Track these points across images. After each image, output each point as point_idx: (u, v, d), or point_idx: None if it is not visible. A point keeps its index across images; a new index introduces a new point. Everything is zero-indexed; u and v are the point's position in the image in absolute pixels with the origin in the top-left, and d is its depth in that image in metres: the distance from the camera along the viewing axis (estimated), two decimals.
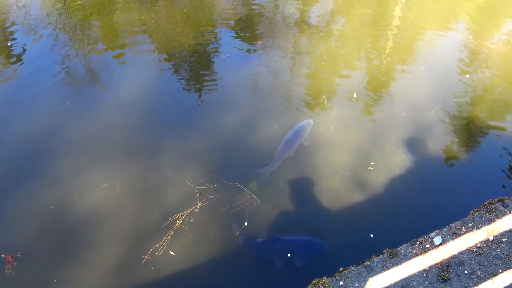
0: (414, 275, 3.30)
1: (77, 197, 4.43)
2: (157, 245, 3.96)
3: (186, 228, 4.15)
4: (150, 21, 7.83)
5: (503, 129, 5.45)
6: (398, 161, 4.90)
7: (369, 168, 4.79)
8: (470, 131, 5.41)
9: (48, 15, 8.08)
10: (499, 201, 3.81)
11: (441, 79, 6.42)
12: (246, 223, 4.19)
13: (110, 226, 4.16)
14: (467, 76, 6.48)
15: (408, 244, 3.53)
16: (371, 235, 4.04)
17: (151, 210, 4.31)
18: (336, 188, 4.60)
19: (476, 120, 5.58)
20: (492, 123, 5.54)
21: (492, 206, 3.76)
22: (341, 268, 3.41)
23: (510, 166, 4.86)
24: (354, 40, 7.46)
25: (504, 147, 5.11)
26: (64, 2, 8.59)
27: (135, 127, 5.36)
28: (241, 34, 7.54)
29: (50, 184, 4.58)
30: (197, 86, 6.20)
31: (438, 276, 3.28)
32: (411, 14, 8.56)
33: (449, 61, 6.92)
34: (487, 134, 5.37)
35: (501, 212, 3.70)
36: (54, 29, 7.61)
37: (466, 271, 3.31)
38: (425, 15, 8.56)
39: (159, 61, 6.74)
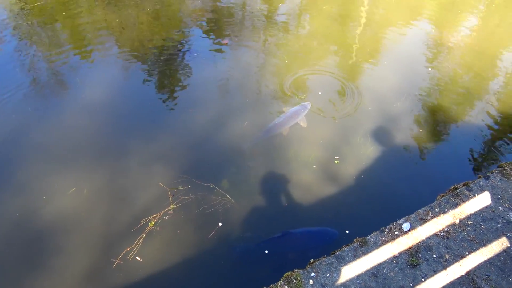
0: (385, 262, 3.29)
1: (43, 203, 4.25)
2: (128, 248, 3.84)
3: (158, 230, 4.05)
4: (114, 21, 7.66)
5: (465, 118, 5.55)
6: (368, 152, 4.92)
7: (335, 161, 4.79)
8: (435, 120, 5.49)
9: (8, 16, 7.76)
10: (463, 185, 3.85)
11: (407, 72, 6.52)
12: (220, 224, 4.11)
13: (79, 231, 4.02)
14: (431, 69, 6.60)
15: (378, 232, 3.52)
16: (347, 231, 4.01)
17: (122, 213, 4.19)
18: (307, 182, 4.57)
19: (440, 110, 5.67)
20: (455, 112, 5.64)
21: (457, 190, 3.79)
22: (312, 259, 3.37)
23: (472, 152, 4.96)
24: (322, 36, 7.49)
25: (467, 135, 5.21)
26: (25, 2, 8.25)
27: (102, 130, 5.19)
28: (209, 32, 7.45)
29: (14, 191, 4.38)
30: (165, 86, 6.08)
31: (408, 261, 3.27)
32: (377, 9, 8.69)
33: (414, 54, 7.04)
34: (451, 123, 5.46)
35: (466, 196, 3.73)
36: (14, 29, 7.31)
37: (434, 255, 3.31)
38: (390, 11, 8.70)
39: (125, 62, 6.57)
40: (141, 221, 4.10)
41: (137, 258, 3.80)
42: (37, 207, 4.21)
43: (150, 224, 4.07)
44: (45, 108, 5.58)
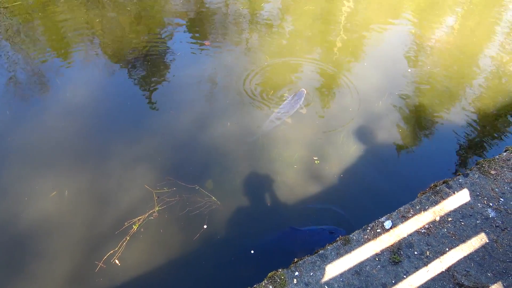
0: (367, 259, 3.30)
1: (24, 207, 4.16)
2: (112, 251, 3.78)
3: (143, 232, 4.00)
4: (95, 21, 7.55)
5: (446, 116, 5.62)
6: (350, 151, 4.94)
7: (315, 162, 4.79)
8: (416, 119, 5.54)
9: None
10: (443, 182, 3.89)
11: (388, 71, 6.57)
12: (205, 226, 4.08)
13: (61, 235, 3.94)
14: (412, 68, 6.66)
15: (360, 230, 3.52)
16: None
17: (105, 216, 4.12)
18: (291, 181, 4.57)
19: (421, 109, 5.72)
20: (436, 111, 5.70)
21: (437, 188, 3.82)
22: (296, 259, 3.36)
23: (452, 150, 5.02)
24: (305, 36, 7.50)
25: (448, 133, 5.27)
26: (3, 1, 8.07)
27: (83, 131, 5.10)
28: (192, 32, 7.40)
29: None
30: (147, 86, 5.99)
31: (390, 259, 3.29)
32: (358, 9, 8.74)
33: (396, 53, 7.10)
34: (432, 121, 5.51)
35: (446, 193, 3.77)
36: None
37: (416, 252, 3.33)
38: (372, 10, 8.77)
39: (107, 62, 6.48)
40: (125, 224, 4.04)
41: (116, 261, 3.74)
42: (17, 211, 4.12)
43: (134, 227, 4.02)
44: (24, 110, 5.46)
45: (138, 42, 6.94)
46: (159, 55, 6.68)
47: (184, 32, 7.41)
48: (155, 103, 5.64)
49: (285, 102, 5.51)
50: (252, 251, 3.83)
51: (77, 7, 7.97)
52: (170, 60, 6.57)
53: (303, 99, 5.53)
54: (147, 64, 6.42)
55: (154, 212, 4.20)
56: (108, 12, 7.89)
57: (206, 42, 6.98)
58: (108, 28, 7.35)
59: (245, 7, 8.45)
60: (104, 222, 4.06)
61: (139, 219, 4.09)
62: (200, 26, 7.61)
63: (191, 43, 7.09)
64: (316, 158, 4.83)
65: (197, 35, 7.35)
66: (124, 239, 3.89)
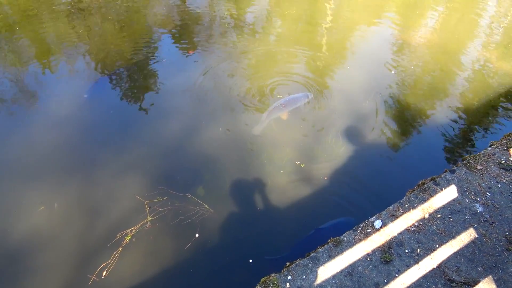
0: (359, 260, 3.28)
1: (13, 223, 4.08)
2: (104, 264, 3.73)
3: (135, 243, 3.94)
4: (79, 32, 7.49)
5: (431, 114, 5.64)
6: (340, 152, 4.94)
7: (300, 165, 4.77)
8: (402, 118, 5.56)
9: None
10: (431, 180, 3.89)
11: (373, 71, 6.61)
12: (197, 235, 4.03)
13: (52, 249, 3.86)
14: (397, 67, 6.70)
15: (351, 231, 3.51)
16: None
17: (97, 228, 4.06)
18: (282, 184, 4.55)
19: (407, 108, 5.75)
20: (422, 109, 5.73)
21: (425, 185, 3.83)
22: (288, 263, 3.33)
23: (439, 147, 5.03)
24: (291, 39, 7.50)
25: (433, 130, 5.29)
26: None
27: (70, 144, 5.02)
28: (177, 39, 7.37)
29: None
30: (134, 95, 5.94)
31: (381, 258, 3.27)
32: (342, 11, 8.79)
33: (381, 52, 7.14)
34: (418, 119, 5.54)
35: (434, 190, 3.77)
36: None
37: (406, 250, 3.33)
38: (356, 11, 8.82)
39: (92, 72, 6.40)
40: (117, 235, 3.99)
41: (103, 273, 3.68)
42: (5, 226, 4.04)
43: (127, 238, 3.97)
44: (8, 123, 5.37)
45: (123, 51, 6.89)
46: (145, 63, 6.64)
47: (169, 39, 7.38)
48: (143, 111, 5.58)
49: (288, 97, 5.59)
50: (251, 260, 3.79)
51: (61, 19, 7.90)
52: (156, 68, 6.52)
53: (306, 100, 5.60)
54: (133, 73, 6.37)
55: (147, 222, 4.14)
56: (92, 22, 7.83)
57: (190, 51, 6.93)
58: (92, 38, 7.29)
59: (229, 13, 8.45)
60: (96, 234, 4.00)
61: (131, 230, 4.04)
62: (185, 33, 7.58)
63: (177, 50, 7.05)
64: (299, 162, 4.80)
65: (182, 41, 7.31)
66: (116, 251, 3.84)
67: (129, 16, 8.05)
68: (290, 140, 5.12)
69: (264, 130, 5.23)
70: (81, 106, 5.65)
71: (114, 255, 3.80)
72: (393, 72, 6.53)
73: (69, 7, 8.35)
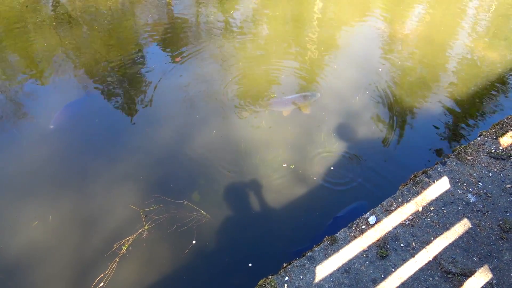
0: (355, 257, 3.27)
1: (6, 239, 4.02)
2: (102, 275, 3.69)
3: (132, 253, 3.91)
4: (65, 43, 7.44)
5: (422, 107, 5.65)
6: (333, 149, 4.93)
7: (290, 166, 4.76)
8: (393, 112, 5.57)
9: None
10: (423, 173, 3.89)
11: (363, 67, 6.61)
12: (194, 242, 4.01)
13: (49, 263, 3.81)
14: (386, 62, 6.71)
15: (346, 228, 3.50)
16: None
17: (92, 240, 4.02)
18: (277, 185, 4.53)
19: (398, 101, 5.75)
20: (412, 102, 5.74)
21: (417, 178, 3.82)
22: (285, 263, 3.32)
23: (430, 139, 5.04)
24: (279, 40, 7.49)
25: (424, 124, 5.30)
26: None
27: (62, 156, 4.95)
28: (164, 46, 7.32)
29: None
30: (124, 104, 5.88)
31: (377, 254, 3.26)
32: (329, 9, 8.80)
33: (368, 49, 7.16)
34: (410, 114, 5.54)
35: (426, 183, 3.77)
36: None
37: (402, 245, 3.32)
38: (343, 9, 8.83)
39: (81, 83, 6.33)
40: (114, 246, 3.95)
41: (101, 284, 3.65)
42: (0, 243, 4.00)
43: (124, 248, 3.93)
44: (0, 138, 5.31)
45: (111, 60, 6.85)
46: (133, 71, 6.58)
47: (157, 47, 7.32)
48: (134, 120, 5.54)
49: (293, 94, 5.72)
50: (250, 264, 3.77)
51: (47, 30, 7.85)
52: (145, 76, 6.47)
53: (311, 99, 5.63)
54: (122, 82, 6.32)
55: (143, 231, 4.12)
56: (78, 32, 7.79)
57: (177, 59, 6.89)
58: (80, 49, 7.25)
59: (215, 17, 8.43)
60: (92, 246, 3.96)
61: (128, 240, 4.01)
62: (172, 40, 7.54)
63: (165, 57, 7.01)
64: (285, 165, 4.77)
65: (170, 48, 7.28)
66: (113, 261, 3.80)
67: (116, 24, 8.01)
68: (282, 140, 5.10)
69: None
70: (71, 117, 5.59)
71: (112, 266, 3.76)
72: (381, 68, 6.54)
73: (53, 16, 8.29)
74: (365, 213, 3.59)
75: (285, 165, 4.75)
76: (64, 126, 5.43)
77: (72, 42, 7.44)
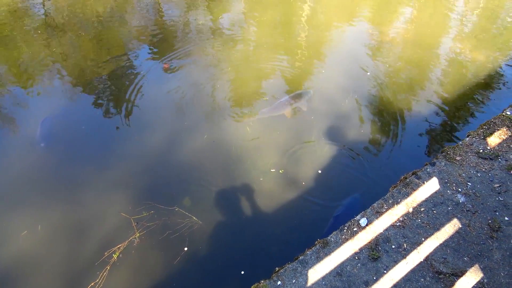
0: (347, 259, 3.27)
1: None
2: (92, 283, 3.64)
3: (124, 261, 3.87)
4: (52, 50, 7.34)
5: (410, 108, 5.70)
6: (323, 152, 4.94)
7: (280, 171, 4.75)
8: (382, 114, 5.60)
9: None
10: (412, 174, 3.91)
11: (351, 70, 6.65)
12: (186, 248, 3.97)
13: (39, 273, 3.75)
14: (375, 64, 6.75)
15: (337, 231, 3.50)
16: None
17: (83, 248, 3.96)
18: (268, 189, 4.52)
19: (387, 104, 5.78)
20: (401, 104, 5.78)
21: (407, 180, 3.84)
22: (277, 268, 3.30)
23: (419, 140, 5.07)
24: (268, 44, 7.50)
25: (413, 125, 5.33)
26: None
27: (50, 164, 4.90)
28: (153, 51, 7.29)
29: None
30: (114, 110, 5.81)
31: (369, 256, 3.26)
32: (317, 13, 8.84)
33: (357, 52, 7.20)
34: (398, 116, 5.57)
35: (416, 184, 3.79)
36: None
37: (393, 246, 3.32)
38: (330, 13, 8.88)
39: (70, 90, 6.27)
40: (105, 254, 3.91)
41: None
42: None
43: (115, 256, 3.89)
44: None
45: (100, 66, 6.80)
46: (123, 76, 6.54)
47: (145, 53, 7.27)
48: (123, 127, 5.48)
49: (289, 95, 5.77)
50: (243, 272, 3.74)
51: (34, 39, 7.77)
52: (134, 82, 6.40)
53: (307, 97, 5.71)
54: (110, 88, 6.27)
55: (135, 238, 4.07)
56: (66, 40, 7.72)
57: (165, 65, 6.84)
58: (69, 56, 7.18)
59: (204, 22, 8.42)
60: (82, 255, 3.90)
61: (118, 248, 3.96)
62: (160, 45, 7.50)
63: (153, 63, 6.97)
64: (273, 170, 4.76)
65: (157, 55, 7.23)
66: (104, 270, 3.76)
67: (104, 30, 7.96)
68: (273, 145, 5.10)
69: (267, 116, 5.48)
70: (59, 124, 5.53)
71: (103, 274, 3.72)
72: (369, 72, 6.57)
73: (41, 23, 8.22)
74: (360, 205, 3.57)
75: (273, 170, 4.74)
76: (51, 137, 5.34)
77: (60, 49, 7.37)
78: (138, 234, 4.10)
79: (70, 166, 4.88)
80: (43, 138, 5.26)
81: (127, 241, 4.03)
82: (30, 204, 4.41)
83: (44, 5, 9.28)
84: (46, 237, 4.08)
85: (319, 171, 4.70)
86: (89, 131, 5.45)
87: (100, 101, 6.00)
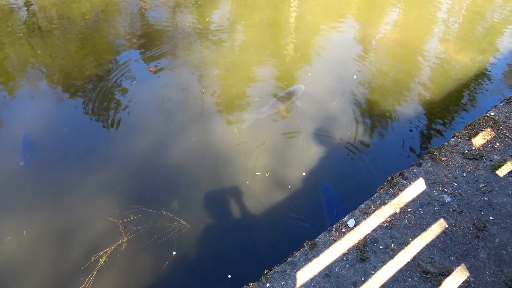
0: (336, 261, 3.27)
1: None
2: None
3: (110, 265, 3.81)
4: (37, 52, 7.23)
5: (398, 110, 5.74)
6: (311, 154, 4.95)
7: (265, 174, 4.75)
8: (370, 116, 5.64)
9: None
10: (399, 175, 3.93)
11: (339, 72, 6.68)
12: (174, 253, 3.92)
13: (24, 279, 3.66)
14: (361, 66, 6.80)
15: (326, 232, 3.50)
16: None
17: (69, 253, 3.89)
18: (257, 191, 4.51)
19: (373, 106, 5.83)
20: (388, 107, 5.82)
21: (394, 180, 3.86)
22: (266, 270, 3.28)
23: (405, 141, 5.11)
24: (253, 49, 7.50)
25: (400, 127, 5.38)
26: None
27: (35, 167, 4.80)
28: (141, 55, 7.22)
29: None
30: (100, 113, 5.71)
31: (357, 257, 3.27)
32: (304, 14, 8.88)
33: (345, 53, 7.24)
34: (385, 117, 5.62)
35: (403, 185, 3.81)
36: None
37: (381, 247, 3.33)
38: (317, 14, 8.93)
39: (55, 92, 6.16)
40: (92, 258, 3.84)
41: None
42: None
43: (101, 260, 3.83)
44: None
45: (86, 69, 6.70)
46: (110, 79, 6.45)
47: (132, 56, 7.17)
48: (110, 130, 5.41)
49: (282, 93, 5.87)
50: (229, 276, 3.72)
51: (19, 40, 7.63)
52: (121, 85, 6.32)
53: (300, 92, 5.82)
54: (99, 90, 6.16)
55: (122, 242, 4.02)
56: (53, 42, 7.61)
57: (151, 68, 6.78)
58: (55, 59, 7.07)
59: (191, 23, 8.38)
60: (68, 260, 3.83)
61: (105, 252, 3.90)
62: (147, 48, 7.43)
63: (140, 66, 6.89)
64: (258, 173, 4.75)
65: (144, 58, 7.17)
66: (91, 275, 3.69)
67: (92, 33, 7.86)
68: (261, 147, 5.08)
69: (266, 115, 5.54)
70: (45, 128, 5.43)
71: (89, 279, 3.65)
72: (356, 74, 6.61)
73: (25, 27, 8.09)
74: (332, 190, 3.63)
75: (259, 173, 4.72)
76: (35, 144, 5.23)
77: (45, 52, 7.26)
78: (125, 238, 4.04)
79: (55, 169, 4.79)
80: (23, 156, 5.08)
81: (114, 245, 3.97)
82: (15, 209, 4.32)
83: (28, 6, 9.13)
84: (31, 242, 4.00)
85: (304, 173, 4.70)
86: (74, 134, 5.35)
87: (85, 104, 5.90)
